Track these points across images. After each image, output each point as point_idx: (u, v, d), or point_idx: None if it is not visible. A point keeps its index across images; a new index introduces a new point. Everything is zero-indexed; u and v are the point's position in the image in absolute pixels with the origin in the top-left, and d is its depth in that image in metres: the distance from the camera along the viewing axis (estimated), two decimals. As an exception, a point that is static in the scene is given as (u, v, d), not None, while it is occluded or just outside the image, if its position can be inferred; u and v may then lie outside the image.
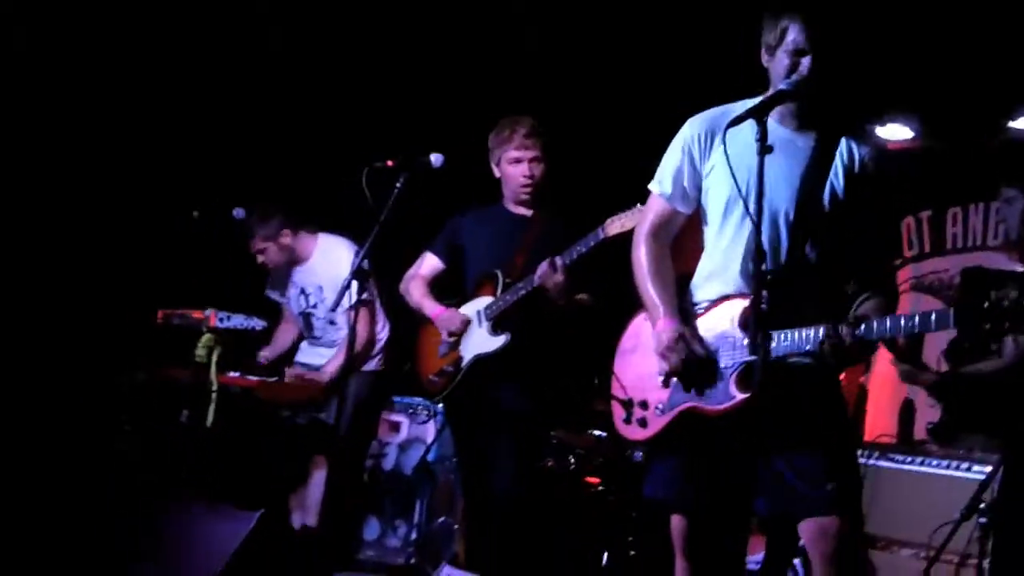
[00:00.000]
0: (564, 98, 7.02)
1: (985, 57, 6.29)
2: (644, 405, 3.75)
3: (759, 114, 3.31)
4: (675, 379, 3.63)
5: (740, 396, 3.46)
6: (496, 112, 5.36)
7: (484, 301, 5.17)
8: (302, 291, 6.34)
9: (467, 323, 5.22)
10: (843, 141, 3.56)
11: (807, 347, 3.36)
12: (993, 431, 5.72)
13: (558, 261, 4.84)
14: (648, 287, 3.74)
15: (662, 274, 3.76)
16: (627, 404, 3.80)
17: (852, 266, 3.59)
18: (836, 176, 3.54)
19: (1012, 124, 6.91)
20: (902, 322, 3.26)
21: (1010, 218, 6.79)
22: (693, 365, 3.55)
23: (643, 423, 3.75)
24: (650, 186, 3.83)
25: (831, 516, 3.42)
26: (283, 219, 6.22)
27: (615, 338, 3.96)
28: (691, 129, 3.71)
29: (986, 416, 5.79)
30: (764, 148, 3.27)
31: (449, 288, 5.46)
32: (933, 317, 3.19)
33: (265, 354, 6.42)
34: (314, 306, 6.29)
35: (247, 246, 6.28)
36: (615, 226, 4.70)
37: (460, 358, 5.22)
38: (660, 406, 3.69)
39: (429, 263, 5.48)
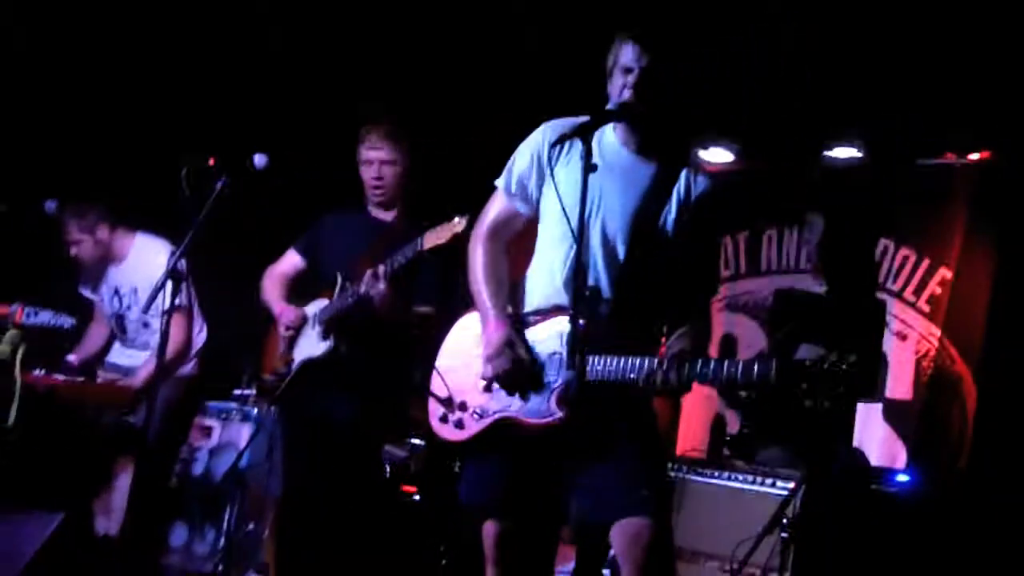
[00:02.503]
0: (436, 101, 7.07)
1: (805, 85, 6.48)
2: (463, 407, 3.73)
3: (583, 132, 3.35)
4: (496, 386, 3.63)
5: (559, 413, 3.47)
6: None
7: (320, 304, 5.11)
8: (116, 292, 6.14)
9: (303, 320, 5.16)
10: (683, 173, 3.61)
11: (631, 376, 3.39)
12: (790, 444, 5.91)
13: (380, 269, 4.78)
14: (481, 288, 3.74)
15: (496, 275, 3.76)
16: (446, 403, 3.78)
17: (673, 295, 3.63)
18: (670, 207, 3.58)
19: (828, 152, 7.18)
20: (725, 368, 3.31)
21: (812, 242, 7.08)
22: (517, 374, 3.56)
23: (459, 425, 3.74)
24: (496, 182, 3.82)
25: (643, 518, 3.45)
26: (101, 213, 6.02)
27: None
28: (543, 133, 3.70)
29: (784, 429, 5.98)
30: (587, 166, 3.30)
31: (310, 288, 5.37)
32: (755, 369, 3.26)
33: (74, 357, 6.20)
34: (128, 308, 6.10)
35: (60, 239, 6.07)
36: (431, 239, 4.66)
37: (292, 360, 5.15)
38: (478, 410, 3.68)
39: (290, 260, 5.38)
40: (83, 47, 6.98)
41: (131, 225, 6.14)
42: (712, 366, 3.35)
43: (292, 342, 5.17)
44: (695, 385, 3.38)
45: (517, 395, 3.59)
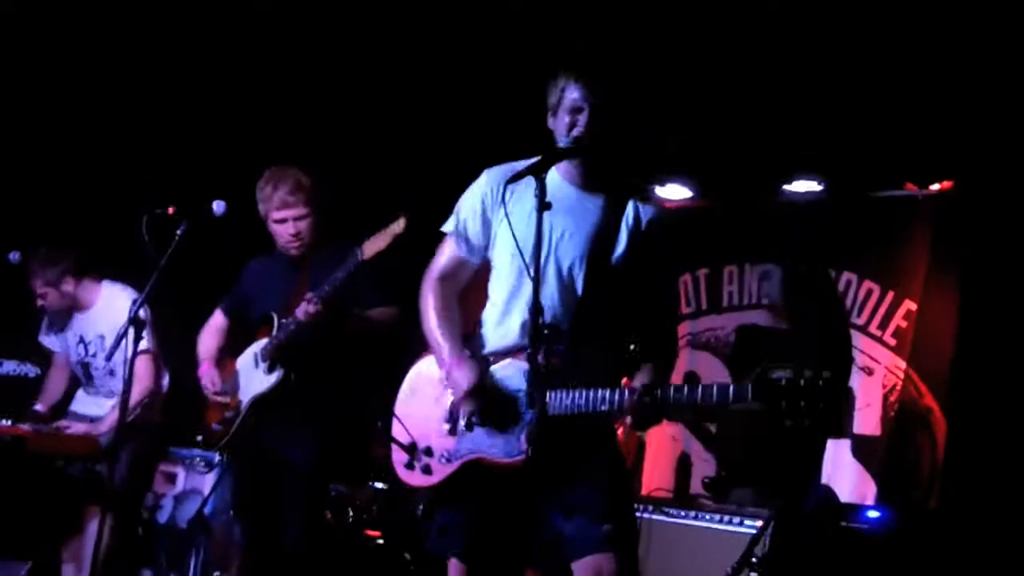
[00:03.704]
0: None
1: (762, 120, 6.51)
2: (428, 452, 3.72)
3: (537, 171, 3.36)
4: (462, 427, 3.62)
5: (528, 452, 3.43)
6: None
7: (260, 344, 5.11)
8: (81, 339, 6.11)
9: (226, 380, 5.18)
10: (630, 203, 3.64)
11: (602, 408, 3.39)
12: (762, 484, 5.89)
13: (313, 298, 4.80)
14: (435, 329, 3.75)
15: (449, 317, 3.77)
16: (410, 449, 3.76)
17: (634, 326, 3.65)
18: (622, 237, 3.60)
19: (787, 187, 7.19)
20: (701, 391, 3.33)
21: (771, 289, 7.09)
22: (494, 410, 3.56)
23: (427, 470, 3.72)
24: (444, 228, 3.83)
25: (605, 553, 3.44)
26: (67, 265, 5.98)
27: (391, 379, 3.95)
28: (487, 180, 3.73)
29: (756, 470, 5.97)
30: (542, 204, 3.30)
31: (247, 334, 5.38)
32: (731, 390, 3.27)
33: (41, 406, 6.19)
34: (93, 355, 6.07)
35: (25, 289, 6.06)
36: (371, 247, 4.67)
37: (240, 403, 5.13)
38: (446, 454, 3.67)
39: (215, 319, 5.42)
40: (44, 97, 7.00)
41: (97, 274, 6.12)
42: (686, 390, 3.36)
43: (235, 387, 5.16)
44: (660, 424, 3.38)
45: (487, 435, 3.58)
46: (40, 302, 6.04)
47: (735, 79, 6.17)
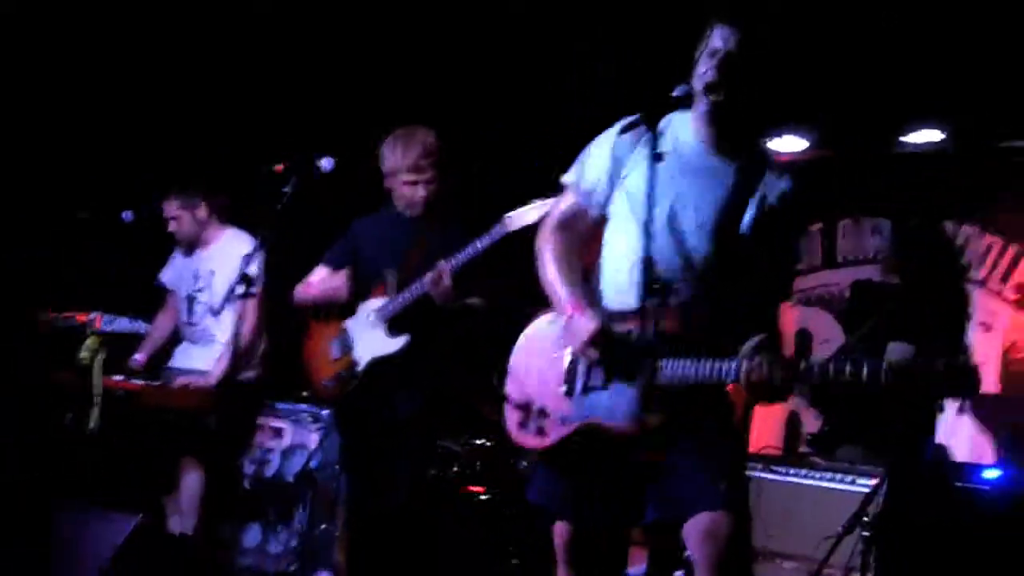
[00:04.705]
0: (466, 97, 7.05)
1: (880, 70, 6.33)
2: (543, 413, 3.64)
3: (649, 119, 3.30)
4: (579, 390, 3.54)
5: (646, 417, 3.35)
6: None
7: (377, 303, 5.10)
8: (195, 274, 6.23)
9: (340, 332, 5.19)
10: (765, 173, 3.52)
11: (723, 378, 3.27)
12: (873, 443, 5.77)
13: (446, 267, 4.79)
14: (554, 278, 3.65)
15: (570, 266, 3.67)
16: (525, 408, 3.69)
17: (748, 298, 3.52)
18: (752, 207, 3.49)
19: (906, 137, 7.00)
20: (832, 366, 3.16)
21: (883, 244, 6.94)
22: (616, 361, 3.45)
23: (541, 431, 3.64)
24: (564, 178, 3.75)
25: (721, 512, 3.35)
26: (204, 195, 6.16)
27: (508, 342, 3.89)
28: (618, 132, 3.61)
29: (866, 427, 5.85)
30: (655, 155, 3.25)
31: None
32: (865, 371, 3.08)
33: (139, 357, 6.29)
34: (200, 290, 6.18)
35: (138, 247, 6.18)
36: (518, 219, 4.66)
37: (355, 362, 5.13)
38: (561, 416, 3.58)
39: (319, 273, 5.41)
40: (168, 57, 7.13)
41: (224, 216, 6.25)
42: (817, 365, 3.18)
43: (346, 345, 5.17)
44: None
45: (604, 399, 3.49)
46: (172, 225, 6.19)
47: (854, 26, 6.01)
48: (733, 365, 3.25)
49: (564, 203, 3.77)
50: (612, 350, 3.46)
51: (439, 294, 4.82)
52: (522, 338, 3.83)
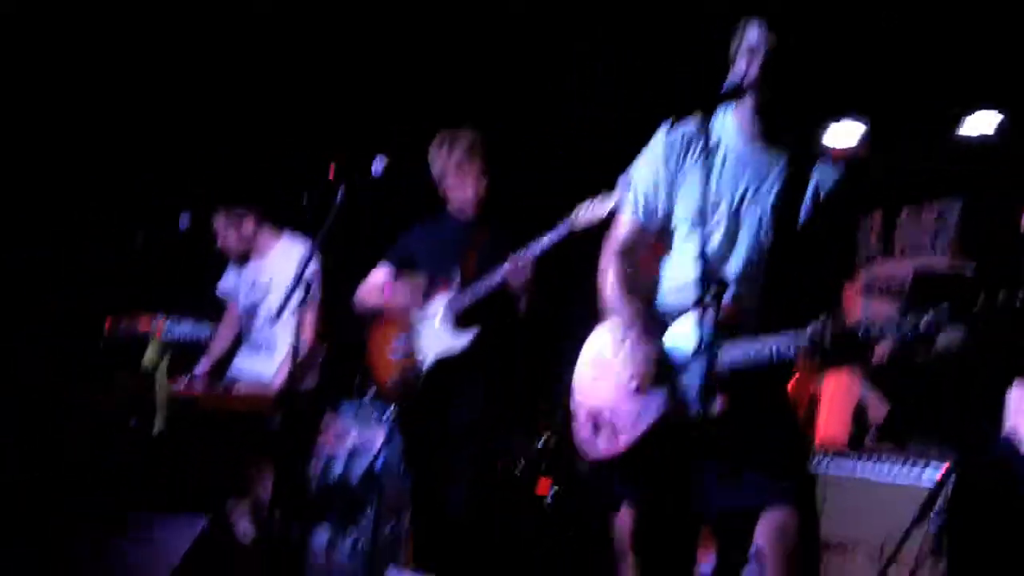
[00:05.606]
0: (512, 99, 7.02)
1: (936, 60, 6.28)
2: (615, 416, 3.68)
3: (702, 116, 3.30)
4: (649, 392, 3.58)
5: (707, 407, 3.38)
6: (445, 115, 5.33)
7: (440, 303, 5.11)
8: (253, 283, 6.27)
9: (404, 332, 5.22)
10: (816, 164, 3.54)
11: (786, 353, 3.31)
12: (943, 435, 5.72)
13: (526, 255, 4.83)
14: (618, 305, 3.70)
15: (633, 289, 3.72)
16: (594, 419, 3.72)
17: (807, 288, 3.55)
18: (806, 199, 3.52)
19: (965, 119, 6.91)
20: (897, 323, 3.20)
21: (947, 229, 6.85)
22: (667, 382, 3.52)
23: (614, 436, 3.67)
24: (621, 204, 3.77)
25: (789, 507, 3.40)
26: (249, 209, 6.20)
27: (561, 344, 3.91)
28: (666, 137, 3.65)
29: (934, 416, 5.80)
30: (706, 149, 3.29)
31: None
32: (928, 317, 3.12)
33: (201, 367, 6.35)
34: (259, 299, 6.22)
35: (196, 253, 6.22)
36: (585, 217, 4.68)
37: (419, 361, 5.15)
38: (631, 418, 3.62)
39: (377, 276, 5.47)
40: (227, 62, 7.19)
41: (277, 226, 6.28)
42: (883, 323, 3.22)
43: (411, 346, 5.17)
44: (836, 373, 3.30)
45: (668, 396, 3.53)
46: (220, 242, 6.24)
47: (910, 20, 5.98)
48: (797, 334, 3.27)
49: (623, 226, 3.80)
50: (666, 376, 3.52)
51: (517, 283, 4.83)
52: (584, 353, 3.87)
